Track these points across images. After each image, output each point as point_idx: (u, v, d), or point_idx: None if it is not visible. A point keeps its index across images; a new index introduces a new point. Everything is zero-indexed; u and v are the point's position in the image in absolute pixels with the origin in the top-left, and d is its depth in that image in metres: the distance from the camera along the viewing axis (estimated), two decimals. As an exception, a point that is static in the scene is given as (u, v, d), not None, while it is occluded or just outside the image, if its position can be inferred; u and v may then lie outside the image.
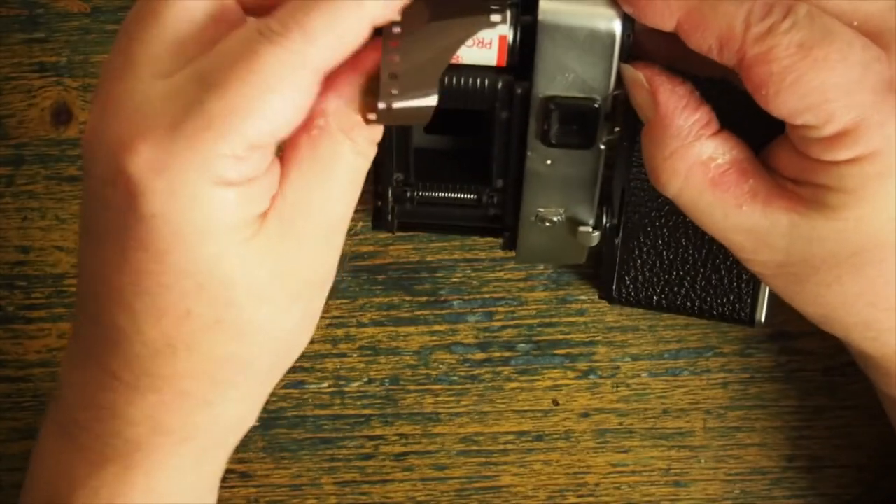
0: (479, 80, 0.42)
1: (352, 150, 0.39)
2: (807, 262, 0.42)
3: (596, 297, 0.53)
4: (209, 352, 0.39)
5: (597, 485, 0.55)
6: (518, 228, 0.45)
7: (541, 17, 0.41)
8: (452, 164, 0.46)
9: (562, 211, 0.45)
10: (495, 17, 0.40)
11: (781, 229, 0.41)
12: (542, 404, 0.54)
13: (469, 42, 0.41)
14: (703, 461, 0.54)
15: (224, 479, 0.55)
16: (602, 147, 0.43)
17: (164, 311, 0.38)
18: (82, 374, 0.40)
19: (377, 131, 0.40)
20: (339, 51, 0.38)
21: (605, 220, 0.45)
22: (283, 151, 0.39)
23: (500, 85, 0.42)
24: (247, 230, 0.38)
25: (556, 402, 0.54)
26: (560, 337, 0.54)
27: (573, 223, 0.45)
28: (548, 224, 0.45)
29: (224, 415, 0.41)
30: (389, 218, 0.46)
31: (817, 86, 0.39)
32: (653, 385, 0.54)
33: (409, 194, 0.46)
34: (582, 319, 0.54)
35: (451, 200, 0.46)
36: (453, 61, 0.41)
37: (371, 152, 0.40)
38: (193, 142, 0.36)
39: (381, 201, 0.46)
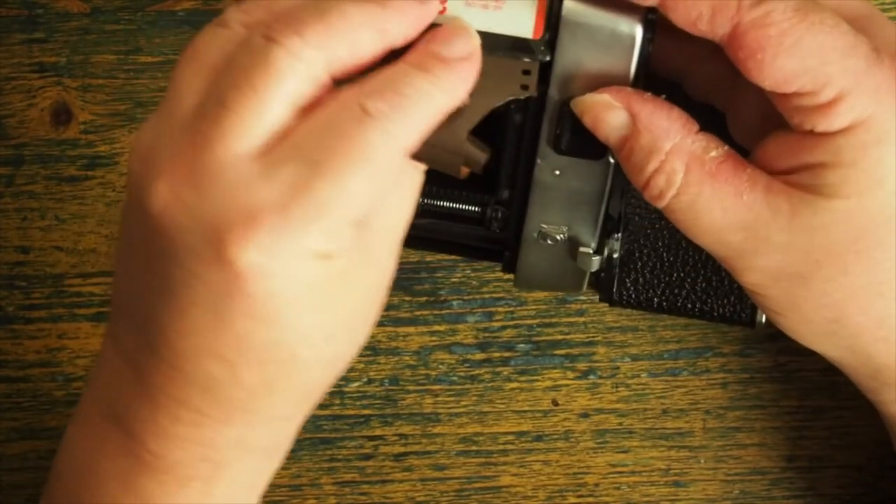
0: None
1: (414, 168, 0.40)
2: (809, 257, 0.41)
3: (596, 298, 0.53)
4: (303, 386, 0.40)
5: (596, 485, 0.55)
6: (519, 248, 0.45)
7: (564, 13, 0.41)
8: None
9: (565, 229, 0.45)
10: (526, 62, 0.41)
11: (782, 220, 0.41)
12: (541, 404, 0.54)
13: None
14: (702, 461, 0.54)
15: (224, 480, 0.55)
16: (611, 162, 0.43)
17: (268, 360, 0.39)
18: (146, 409, 0.40)
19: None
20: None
21: (606, 248, 0.46)
22: None
23: (518, 95, 0.42)
24: (336, 273, 0.39)
25: (555, 403, 0.54)
26: (560, 337, 0.54)
27: (574, 244, 0.45)
28: (549, 242, 0.45)
29: (295, 422, 0.42)
30: None
31: (816, 47, 0.39)
32: (652, 385, 0.54)
33: None
34: (582, 320, 0.54)
35: (455, 212, 0.46)
36: None
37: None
38: (304, 226, 0.37)
39: None
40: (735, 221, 0.41)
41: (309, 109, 0.38)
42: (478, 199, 0.46)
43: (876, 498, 0.54)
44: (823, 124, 0.40)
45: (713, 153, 0.41)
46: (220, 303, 0.38)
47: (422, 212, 0.46)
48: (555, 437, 0.54)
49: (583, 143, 0.43)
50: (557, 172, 0.44)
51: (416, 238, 0.47)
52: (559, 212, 0.45)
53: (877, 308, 0.42)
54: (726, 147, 0.42)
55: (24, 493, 0.55)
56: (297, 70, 0.37)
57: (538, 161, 0.44)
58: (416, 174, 0.40)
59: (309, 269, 0.37)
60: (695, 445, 0.54)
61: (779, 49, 0.39)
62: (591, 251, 0.45)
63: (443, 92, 0.39)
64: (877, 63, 0.40)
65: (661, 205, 0.42)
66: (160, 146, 0.39)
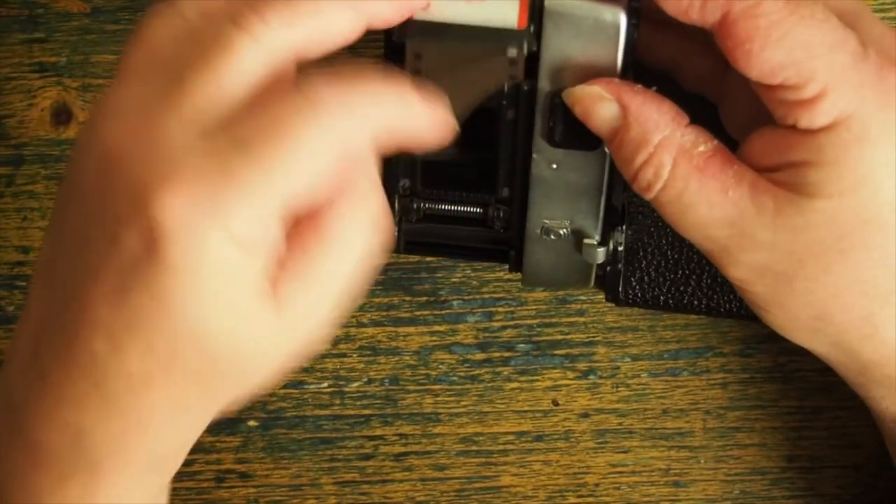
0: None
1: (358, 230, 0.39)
2: (793, 255, 0.41)
3: (596, 298, 0.53)
4: (185, 391, 0.39)
5: (597, 485, 0.55)
6: (524, 245, 0.45)
7: (547, 3, 0.41)
8: (459, 175, 0.46)
9: (567, 223, 0.45)
10: (511, 52, 0.41)
11: (767, 218, 0.41)
12: (541, 404, 0.54)
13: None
14: (702, 461, 0.54)
15: (223, 479, 0.55)
16: (607, 152, 0.43)
17: (151, 351, 0.37)
18: (39, 387, 0.39)
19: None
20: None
21: (612, 240, 0.46)
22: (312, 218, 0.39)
23: (506, 84, 0.42)
24: (256, 295, 0.37)
25: (555, 403, 0.54)
26: (560, 337, 0.54)
27: (579, 237, 0.45)
28: (553, 238, 0.45)
29: (189, 433, 0.41)
30: (397, 234, 0.46)
31: (804, 41, 0.39)
32: (652, 385, 0.54)
33: (415, 205, 0.46)
34: (582, 320, 0.54)
35: (457, 214, 0.46)
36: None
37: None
38: (224, 205, 0.36)
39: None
40: (720, 217, 0.41)
41: (266, 92, 0.37)
42: (478, 199, 0.46)
43: (875, 497, 0.54)
44: (806, 120, 0.40)
45: (702, 147, 0.41)
46: (127, 270, 0.37)
47: (421, 216, 0.46)
48: (555, 437, 0.54)
49: (576, 134, 0.43)
50: (554, 166, 0.44)
51: (418, 244, 0.47)
52: (560, 205, 0.45)
53: (860, 306, 0.42)
54: (715, 141, 0.42)
55: (24, 494, 0.55)
56: (257, 55, 0.37)
57: (534, 156, 0.44)
58: (369, 170, 0.39)
59: (225, 259, 0.36)
60: (695, 445, 0.54)
61: (767, 40, 0.39)
62: (596, 242, 0.45)
63: (394, 106, 0.38)
64: (862, 59, 0.40)
65: (648, 197, 0.42)
66: (108, 113, 0.38)
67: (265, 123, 0.37)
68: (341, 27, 0.38)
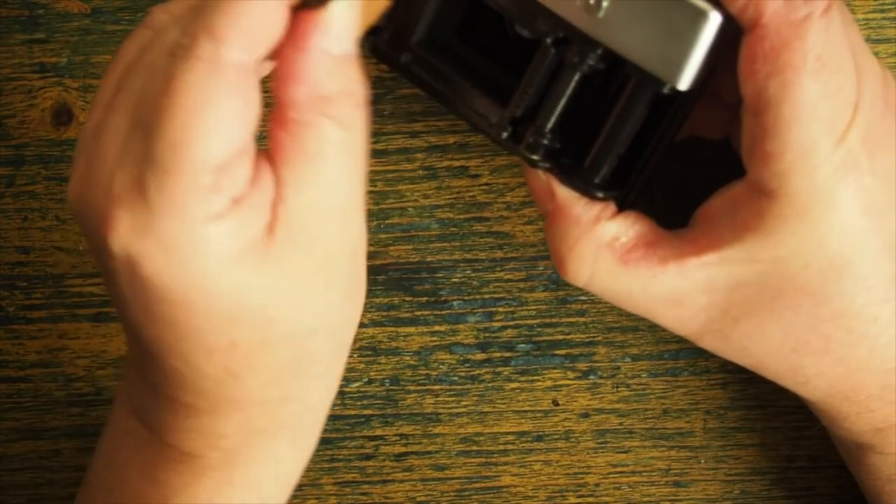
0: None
1: (335, 127, 0.37)
2: (728, 315, 0.42)
3: (596, 298, 0.53)
4: (270, 365, 0.39)
5: (597, 485, 0.55)
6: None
7: None
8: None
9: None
10: None
11: (700, 285, 0.42)
12: (542, 404, 0.54)
13: None
14: (703, 461, 0.54)
15: (224, 480, 0.55)
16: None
17: (211, 349, 0.38)
18: (155, 404, 0.40)
19: (356, 96, 0.38)
20: (260, 43, 0.36)
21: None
22: (270, 153, 0.38)
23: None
24: (256, 249, 0.37)
25: (556, 403, 0.54)
26: (560, 337, 0.54)
27: None
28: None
29: (308, 399, 0.41)
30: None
31: (808, 101, 0.39)
32: (653, 385, 0.54)
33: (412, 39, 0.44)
34: (582, 320, 0.54)
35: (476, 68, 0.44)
36: None
37: (357, 117, 0.38)
38: (160, 192, 0.35)
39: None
40: (655, 295, 0.43)
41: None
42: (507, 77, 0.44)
43: (876, 498, 0.54)
44: (757, 170, 0.40)
45: (622, 239, 0.42)
46: (138, 294, 0.37)
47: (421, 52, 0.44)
48: (555, 437, 0.54)
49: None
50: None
51: (413, 73, 0.44)
52: None
53: (791, 361, 0.43)
54: (637, 228, 0.43)
55: (25, 494, 0.55)
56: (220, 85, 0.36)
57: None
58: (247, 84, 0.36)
59: (201, 238, 0.36)
60: (695, 445, 0.54)
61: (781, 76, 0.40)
62: None
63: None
64: (841, 143, 0.40)
65: (580, 285, 0.43)
66: (83, 140, 0.39)
67: (152, 93, 0.36)
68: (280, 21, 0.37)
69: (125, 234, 0.36)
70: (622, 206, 0.43)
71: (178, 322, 0.37)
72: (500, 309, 0.54)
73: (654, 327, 0.54)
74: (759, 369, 0.45)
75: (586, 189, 0.42)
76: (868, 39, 0.49)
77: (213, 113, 0.35)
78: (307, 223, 0.38)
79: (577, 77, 0.41)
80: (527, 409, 0.54)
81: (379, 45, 0.44)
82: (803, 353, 0.43)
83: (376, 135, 0.52)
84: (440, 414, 0.55)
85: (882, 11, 0.51)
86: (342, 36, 0.37)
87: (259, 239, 0.37)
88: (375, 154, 0.52)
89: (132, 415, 0.42)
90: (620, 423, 0.54)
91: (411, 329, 0.54)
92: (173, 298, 0.37)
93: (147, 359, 0.40)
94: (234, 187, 0.36)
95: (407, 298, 0.54)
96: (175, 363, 0.38)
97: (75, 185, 0.38)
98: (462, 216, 0.53)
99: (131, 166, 0.36)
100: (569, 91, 0.41)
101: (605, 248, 0.42)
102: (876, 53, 0.49)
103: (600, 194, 0.43)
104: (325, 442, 0.55)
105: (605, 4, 0.40)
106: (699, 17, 0.39)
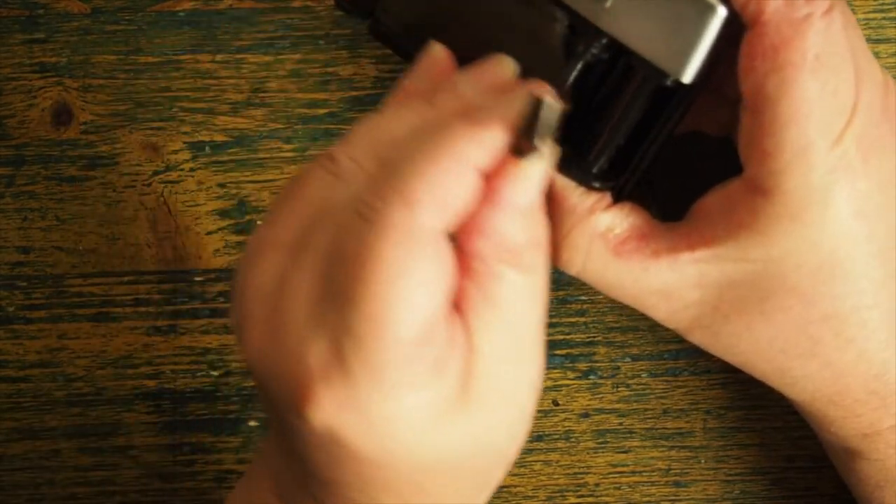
0: None
1: (519, 273, 0.38)
2: (718, 311, 0.42)
3: (596, 298, 0.53)
4: (451, 499, 0.40)
5: (597, 485, 0.55)
6: None
7: None
8: None
9: None
10: None
11: (691, 280, 0.42)
12: (542, 404, 0.54)
13: None
14: (703, 461, 0.54)
15: (224, 480, 0.55)
16: None
17: (399, 492, 0.38)
18: None
19: (541, 243, 0.39)
20: (455, 210, 0.36)
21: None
22: (457, 301, 0.38)
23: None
24: (454, 409, 0.37)
25: (556, 403, 0.54)
26: (560, 337, 0.54)
27: None
28: None
29: None
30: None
31: (805, 100, 0.39)
32: (653, 385, 0.54)
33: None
34: (582, 320, 0.54)
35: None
36: None
37: (540, 262, 0.39)
38: (362, 366, 0.35)
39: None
40: (646, 288, 0.43)
41: None
42: None
43: (876, 498, 0.54)
44: (754, 167, 0.40)
45: (616, 230, 0.42)
46: (329, 458, 0.37)
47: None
48: (555, 437, 0.54)
49: None
50: None
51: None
52: None
53: (778, 361, 0.43)
54: (631, 220, 0.42)
55: (25, 494, 0.55)
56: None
57: None
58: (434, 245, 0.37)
59: (402, 408, 0.36)
60: (695, 445, 0.54)
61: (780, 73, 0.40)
62: None
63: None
64: (837, 144, 0.40)
65: (573, 273, 0.43)
66: (251, 287, 0.38)
67: (345, 261, 0.35)
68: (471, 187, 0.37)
69: (327, 410, 0.36)
70: (618, 197, 0.43)
71: (366, 473, 0.38)
72: (500, 309, 0.54)
73: (654, 327, 0.53)
74: (747, 368, 0.45)
75: (583, 179, 0.43)
76: (868, 39, 0.49)
77: (411, 283, 0.35)
78: (498, 371, 0.38)
79: (579, 66, 0.42)
80: (527, 409, 0.54)
81: (381, 28, 0.44)
82: (791, 354, 0.43)
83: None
84: (440, 414, 0.55)
85: (882, 11, 0.51)
86: (533, 190, 0.38)
87: (456, 398, 0.37)
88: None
89: (275, 496, 0.42)
90: (620, 423, 0.54)
91: (411, 329, 0.54)
92: (367, 458, 0.37)
93: (315, 482, 0.39)
94: (434, 351, 0.37)
95: (407, 298, 0.54)
96: (352, 495, 0.39)
97: (258, 340, 0.37)
98: (462, 216, 0.53)
99: (328, 337, 0.36)
100: (570, 80, 0.42)
101: (598, 239, 0.42)
102: (876, 53, 0.49)
103: (597, 184, 0.43)
104: (325, 442, 0.55)
105: None
106: (706, 10, 0.40)
